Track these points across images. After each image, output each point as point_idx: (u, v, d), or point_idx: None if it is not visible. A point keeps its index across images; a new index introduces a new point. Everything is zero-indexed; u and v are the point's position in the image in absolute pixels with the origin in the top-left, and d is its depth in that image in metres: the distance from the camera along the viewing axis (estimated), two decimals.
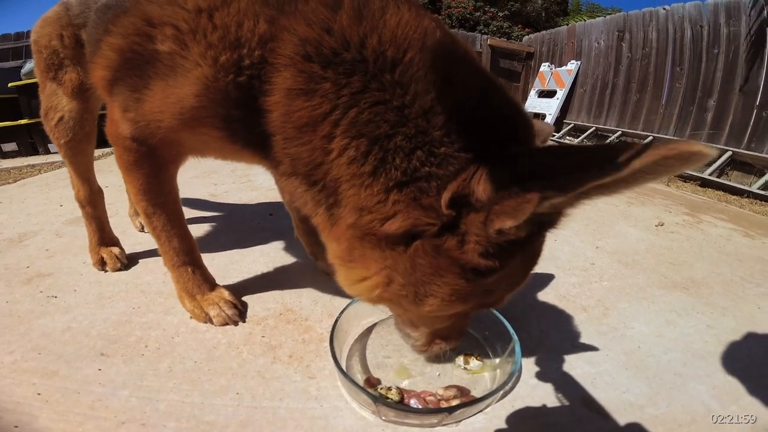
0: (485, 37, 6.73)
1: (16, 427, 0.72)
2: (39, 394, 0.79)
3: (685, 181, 3.28)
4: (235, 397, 0.79)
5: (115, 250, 1.29)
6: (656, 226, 1.86)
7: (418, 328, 0.77)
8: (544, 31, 6.79)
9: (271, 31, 0.62)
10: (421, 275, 0.60)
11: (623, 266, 1.42)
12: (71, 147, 1.21)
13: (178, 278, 1.03)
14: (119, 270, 1.26)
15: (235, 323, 1.00)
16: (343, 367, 0.77)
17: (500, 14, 10.27)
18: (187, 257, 1.02)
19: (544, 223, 0.56)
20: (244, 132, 0.70)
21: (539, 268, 0.68)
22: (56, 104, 1.16)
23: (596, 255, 1.49)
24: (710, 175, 3.31)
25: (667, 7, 4.34)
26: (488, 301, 0.66)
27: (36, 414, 0.75)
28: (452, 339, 0.78)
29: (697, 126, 3.94)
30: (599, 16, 7.12)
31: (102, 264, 1.26)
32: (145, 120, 0.77)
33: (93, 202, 1.29)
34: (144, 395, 0.79)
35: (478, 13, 10.23)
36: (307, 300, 1.11)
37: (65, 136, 1.18)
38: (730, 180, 3.33)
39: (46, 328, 0.99)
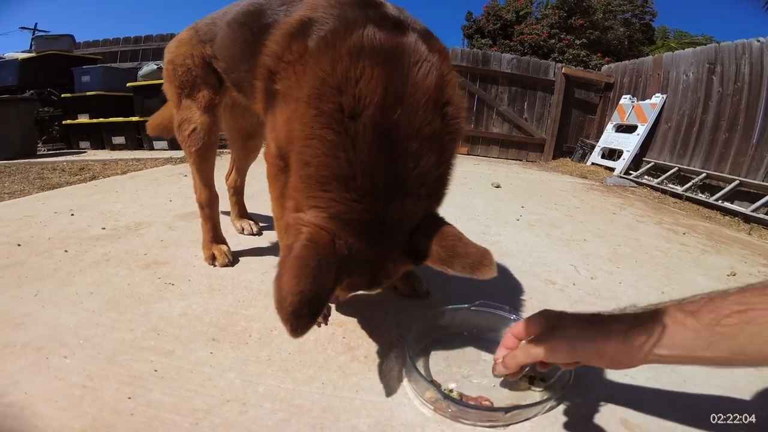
0: (560, 65, 6.53)
1: (130, 398, 0.81)
2: (156, 370, 0.90)
3: None
4: (320, 386, 0.90)
5: (225, 248, 1.46)
6: (728, 275, 1.80)
7: None
8: (626, 61, 6.48)
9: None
10: None
11: None
12: (200, 155, 1.38)
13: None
14: (227, 266, 1.42)
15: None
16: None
17: (577, 42, 9.80)
18: None
19: None
20: None
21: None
22: (190, 117, 1.34)
23: (660, 300, 1.47)
24: None
25: (761, 39, 4.06)
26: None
27: (150, 388, 0.84)
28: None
29: None
30: (688, 45, 6.70)
31: (213, 259, 1.42)
32: (277, 142, 0.95)
33: (211, 204, 1.46)
34: (246, 378, 0.90)
35: (553, 41, 9.82)
36: (380, 311, 1.22)
37: (196, 144, 1.35)
38: None
39: (163, 312, 1.12)
